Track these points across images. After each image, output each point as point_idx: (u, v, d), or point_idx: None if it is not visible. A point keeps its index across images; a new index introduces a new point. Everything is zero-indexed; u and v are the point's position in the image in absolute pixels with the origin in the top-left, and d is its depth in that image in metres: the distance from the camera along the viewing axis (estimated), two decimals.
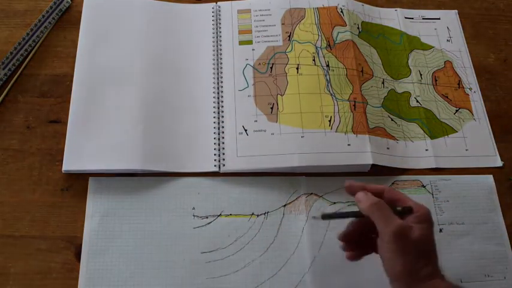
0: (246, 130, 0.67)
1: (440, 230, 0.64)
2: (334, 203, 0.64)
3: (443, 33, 0.79)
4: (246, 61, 0.72)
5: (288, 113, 0.68)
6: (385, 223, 0.50)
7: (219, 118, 0.68)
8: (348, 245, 0.56)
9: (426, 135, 0.70)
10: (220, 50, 0.73)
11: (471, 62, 0.77)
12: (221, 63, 0.72)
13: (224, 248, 0.61)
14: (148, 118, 0.66)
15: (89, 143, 0.64)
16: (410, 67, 0.75)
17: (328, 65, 0.71)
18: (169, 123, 0.67)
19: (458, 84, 0.75)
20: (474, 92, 0.75)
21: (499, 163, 0.69)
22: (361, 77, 0.71)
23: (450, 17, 0.81)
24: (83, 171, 0.63)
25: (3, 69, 0.69)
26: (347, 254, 0.56)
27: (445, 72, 0.76)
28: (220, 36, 0.74)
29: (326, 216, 0.56)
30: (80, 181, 0.63)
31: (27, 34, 0.72)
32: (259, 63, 0.72)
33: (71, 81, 0.68)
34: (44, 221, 0.61)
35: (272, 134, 0.66)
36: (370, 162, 0.64)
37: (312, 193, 0.65)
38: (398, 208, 0.51)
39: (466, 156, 0.69)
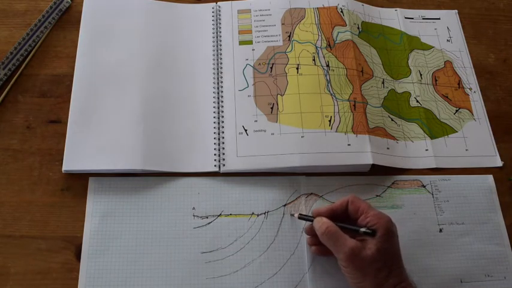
0: (246, 130, 0.67)
1: (440, 230, 0.64)
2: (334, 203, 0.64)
3: (443, 33, 0.79)
4: (246, 61, 0.72)
5: (288, 113, 0.68)
6: (337, 249, 0.53)
7: (219, 118, 0.68)
8: (312, 239, 0.59)
9: (426, 135, 0.70)
10: (220, 50, 0.73)
11: (471, 62, 0.77)
12: (221, 63, 0.72)
13: (224, 248, 0.61)
14: (148, 118, 0.66)
15: (89, 143, 0.64)
16: (410, 67, 0.75)
17: (328, 65, 0.71)
18: (170, 123, 0.67)
19: (458, 84, 0.75)
20: (474, 92, 0.75)
21: (499, 163, 0.69)
22: (361, 77, 0.71)
23: (450, 17, 0.81)
24: (83, 171, 0.63)
25: (3, 69, 0.69)
26: (312, 248, 0.60)
27: (445, 72, 0.76)
28: (220, 36, 0.74)
29: (302, 216, 0.60)
30: (80, 181, 0.63)
31: (27, 34, 0.72)
32: (259, 63, 0.72)
33: (71, 81, 0.68)
34: (44, 221, 0.61)
35: (272, 134, 0.66)
36: (370, 162, 0.64)
37: (311, 193, 0.65)
38: (362, 230, 0.53)
39: (466, 156, 0.69)
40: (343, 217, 0.57)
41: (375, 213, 0.54)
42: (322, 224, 0.54)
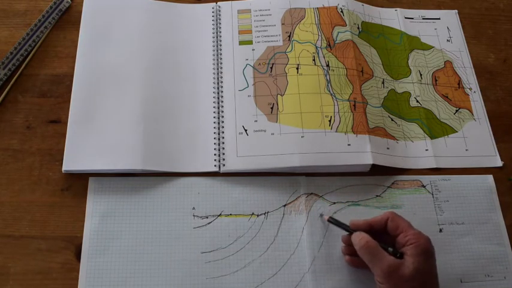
0: (246, 130, 0.67)
1: (440, 230, 0.64)
2: (334, 203, 0.64)
3: (443, 33, 0.79)
4: (246, 61, 0.72)
5: (288, 113, 0.68)
6: (374, 264, 0.53)
7: (219, 118, 0.68)
8: (348, 249, 0.59)
9: (426, 135, 0.70)
10: (220, 50, 0.73)
11: (471, 62, 0.77)
12: (221, 63, 0.72)
13: (224, 248, 0.61)
14: (148, 118, 0.66)
15: (89, 143, 0.64)
16: (410, 67, 0.75)
17: (328, 65, 0.71)
18: (170, 123, 0.67)
19: (458, 84, 0.75)
20: (474, 92, 0.75)
21: (499, 163, 0.69)
22: (361, 77, 0.71)
23: (450, 17, 0.81)
24: (83, 171, 0.63)
25: (3, 69, 0.69)
26: (346, 257, 0.60)
27: (445, 72, 0.76)
28: (220, 36, 0.74)
29: (332, 220, 0.60)
30: (80, 181, 0.63)
31: (27, 34, 0.72)
32: (259, 63, 0.72)
33: (71, 81, 0.68)
34: (44, 221, 0.61)
35: (272, 134, 0.66)
36: (370, 162, 0.64)
37: (312, 193, 0.65)
38: (390, 249, 0.53)
39: (466, 156, 0.69)
40: (380, 233, 0.56)
41: (414, 232, 0.54)
42: (361, 238, 0.54)
